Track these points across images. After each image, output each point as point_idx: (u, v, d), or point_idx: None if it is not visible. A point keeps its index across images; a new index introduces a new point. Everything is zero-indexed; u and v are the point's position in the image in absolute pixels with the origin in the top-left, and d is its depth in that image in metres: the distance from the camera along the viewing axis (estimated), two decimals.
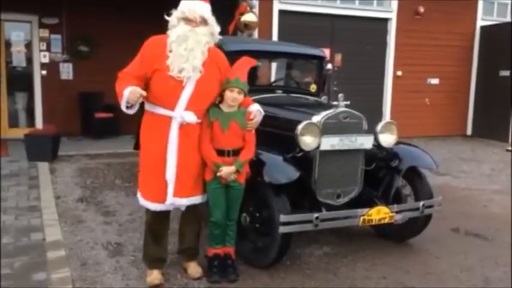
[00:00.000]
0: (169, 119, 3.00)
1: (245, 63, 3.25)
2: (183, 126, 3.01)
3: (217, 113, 3.10)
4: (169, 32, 3.02)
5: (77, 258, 3.54)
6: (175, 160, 3.02)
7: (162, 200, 3.06)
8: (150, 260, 3.23)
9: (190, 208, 3.16)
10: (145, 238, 3.28)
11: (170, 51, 2.95)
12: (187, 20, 2.97)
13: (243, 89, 3.11)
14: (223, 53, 3.27)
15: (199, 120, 3.06)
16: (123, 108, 2.96)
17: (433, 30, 10.03)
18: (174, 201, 3.06)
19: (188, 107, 2.99)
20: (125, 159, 6.80)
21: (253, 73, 4.84)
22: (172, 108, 2.99)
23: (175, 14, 3.02)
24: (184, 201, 3.10)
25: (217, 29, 3.10)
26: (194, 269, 3.31)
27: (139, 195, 3.17)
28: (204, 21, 3.00)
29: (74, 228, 4.16)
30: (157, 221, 3.18)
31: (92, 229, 4.17)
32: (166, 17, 3.05)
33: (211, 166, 3.08)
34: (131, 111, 3.00)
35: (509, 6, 10.90)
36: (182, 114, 2.98)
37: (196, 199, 3.15)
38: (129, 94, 2.85)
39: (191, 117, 3.00)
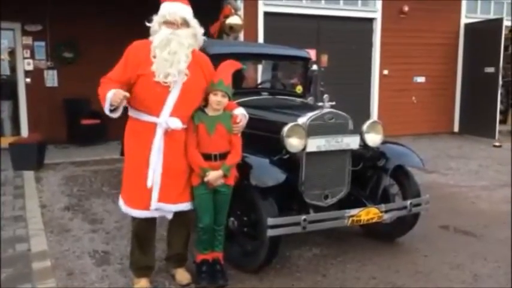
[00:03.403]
0: (154, 125, 2.95)
1: (229, 67, 3.21)
2: (168, 132, 2.96)
3: (203, 117, 3.07)
4: (151, 38, 2.97)
5: (63, 268, 3.48)
6: (160, 166, 2.97)
7: (146, 206, 3.00)
8: (138, 268, 3.19)
9: (178, 214, 3.10)
10: (132, 246, 3.22)
11: (154, 56, 2.90)
12: (168, 24, 2.92)
13: (227, 92, 3.07)
14: (207, 57, 3.24)
15: (184, 126, 3.01)
16: (107, 111, 2.89)
17: (418, 29, 10.10)
18: (160, 206, 3.01)
19: (173, 113, 2.95)
20: (112, 166, 6.74)
21: (238, 76, 4.82)
22: (157, 115, 2.94)
23: (156, 19, 2.97)
24: (171, 208, 3.05)
25: (200, 30, 3.05)
26: (182, 275, 3.27)
27: (121, 202, 3.11)
28: (185, 23, 2.95)
29: (60, 238, 4.09)
30: (143, 229, 3.12)
31: (78, 238, 4.11)
32: (147, 23, 2.99)
33: (198, 171, 3.04)
34: (115, 115, 2.93)
35: (492, 3, 11.01)
36: (167, 120, 2.93)
37: (185, 206, 3.10)
38: (112, 96, 2.78)
39: (176, 124, 2.95)
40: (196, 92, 3.05)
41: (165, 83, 2.89)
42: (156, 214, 3.07)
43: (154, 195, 2.98)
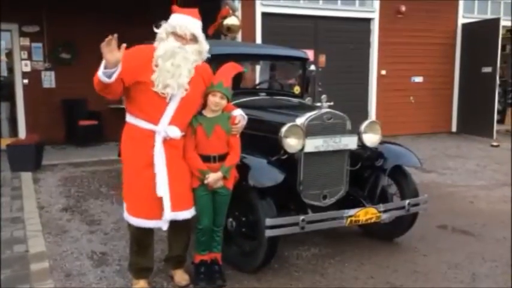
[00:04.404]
0: (152, 133, 2.92)
1: (230, 69, 3.21)
2: (167, 140, 2.94)
3: (201, 119, 3.06)
4: (156, 44, 2.93)
5: (61, 269, 3.48)
6: (165, 174, 2.93)
7: (157, 216, 2.95)
8: (136, 269, 3.17)
9: None
10: (130, 248, 3.20)
11: (156, 65, 2.86)
12: (177, 36, 2.88)
13: (226, 94, 3.07)
14: (205, 63, 3.21)
15: (183, 134, 3.01)
16: (102, 78, 2.63)
17: (415, 29, 10.13)
18: (175, 216, 2.97)
19: (172, 122, 2.93)
20: (110, 167, 6.74)
21: (237, 77, 4.82)
22: (155, 123, 2.91)
23: (165, 27, 2.92)
24: (185, 214, 3.02)
25: (206, 47, 3.01)
26: (181, 276, 3.27)
27: (127, 215, 3.03)
28: (194, 39, 2.92)
29: (58, 239, 4.09)
30: (142, 231, 3.09)
31: (76, 239, 4.10)
32: (155, 29, 2.94)
33: (198, 174, 3.03)
34: (111, 79, 2.65)
35: (489, 3, 11.04)
36: (166, 129, 2.91)
37: (193, 210, 3.09)
38: (103, 56, 2.57)
39: (175, 133, 2.93)
40: (196, 103, 3.05)
41: (163, 94, 2.86)
42: (160, 225, 3.00)
43: (167, 204, 2.93)
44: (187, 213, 3.04)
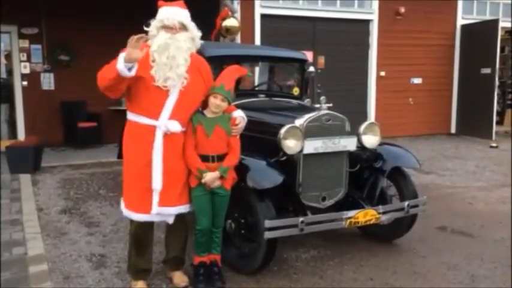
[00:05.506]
0: (153, 128, 2.95)
1: (233, 72, 3.23)
2: (168, 135, 2.96)
3: (201, 119, 3.07)
4: (149, 42, 2.95)
5: (60, 271, 3.47)
6: (161, 169, 2.96)
7: (147, 210, 2.99)
8: (135, 271, 3.17)
9: (177, 217, 3.10)
10: (129, 249, 3.21)
11: (153, 61, 2.90)
12: (166, 28, 2.92)
13: (227, 96, 3.08)
14: (204, 59, 3.23)
15: (183, 129, 3.02)
16: (124, 71, 2.70)
17: (414, 30, 10.14)
18: (161, 210, 3.00)
19: (172, 116, 2.95)
20: (109, 169, 6.74)
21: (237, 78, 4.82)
22: (156, 118, 2.94)
23: (154, 23, 2.96)
24: (171, 210, 3.04)
25: (197, 33, 3.05)
26: (180, 278, 3.26)
27: (122, 206, 3.09)
28: (183, 27, 2.95)
29: (56, 241, 4.08)
30: (141, 232, 3.11)
31: (75, 241, 4.09)
32: (145, 28, 2.98)
33: (196, 173, 3.04)
34: (132, 72, 2.75)
35: (488, 4, 11.06)
36: (166, 123, 2.93)
37: (184, 208, 3.10)
38: (127, 51, 2.65)
39: (175, 127, 2.96)
40: (195, 95, 3.05)
41: (165, 87, 2.90)
42: (156, 218, 3.06)
43: (155, 199, 2.97)
44: (173, 210, 3.04)
